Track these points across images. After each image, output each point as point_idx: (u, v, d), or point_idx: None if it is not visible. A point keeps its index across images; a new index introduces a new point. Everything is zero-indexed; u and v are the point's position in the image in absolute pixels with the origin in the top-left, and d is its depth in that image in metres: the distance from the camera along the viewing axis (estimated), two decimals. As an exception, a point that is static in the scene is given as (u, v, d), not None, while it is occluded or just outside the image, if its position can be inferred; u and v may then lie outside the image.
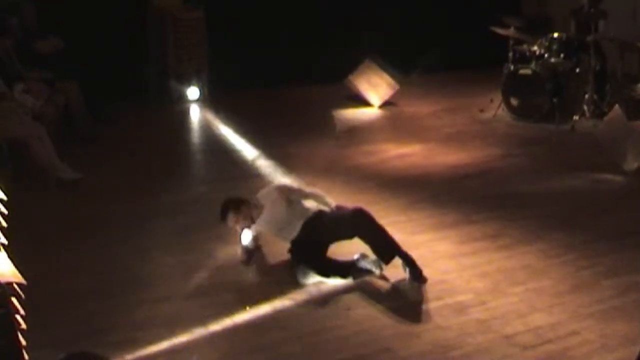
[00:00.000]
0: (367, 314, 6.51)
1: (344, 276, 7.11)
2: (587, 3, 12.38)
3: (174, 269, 7.40)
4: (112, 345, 5.93)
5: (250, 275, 7.26)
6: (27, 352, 3.76)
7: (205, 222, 8.36)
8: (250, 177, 9.76)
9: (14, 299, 3.69)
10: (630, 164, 9.62)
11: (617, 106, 10.52)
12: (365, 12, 14.07)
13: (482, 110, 12.66)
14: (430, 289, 6.90)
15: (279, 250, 7.63)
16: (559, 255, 7.56)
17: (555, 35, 12.26)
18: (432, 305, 6.65)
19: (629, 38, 12.35)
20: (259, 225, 7.57)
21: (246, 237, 7.56)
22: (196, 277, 7.16)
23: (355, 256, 7.29)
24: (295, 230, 7.41)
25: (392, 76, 13.18)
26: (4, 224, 3.91)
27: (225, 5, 13.22)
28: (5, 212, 3.97)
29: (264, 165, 10.14)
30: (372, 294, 6.84)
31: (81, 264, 7.45)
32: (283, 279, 7.14)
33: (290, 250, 7.50)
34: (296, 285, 6.96)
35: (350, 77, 13.21)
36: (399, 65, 13.57)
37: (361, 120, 12.46)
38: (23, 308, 3.76)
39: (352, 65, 13.23)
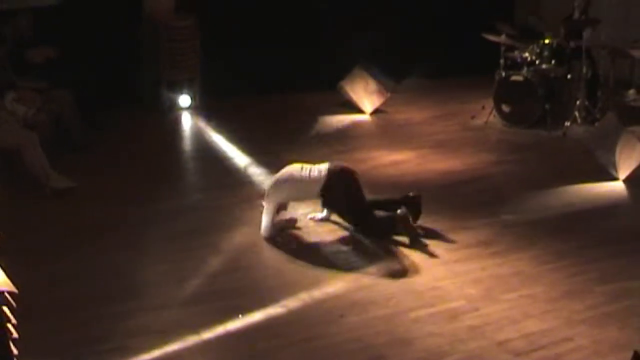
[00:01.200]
0: (360, 321, 6.51)
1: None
2: (578, 10, 12.44)
3: (168, 276, 7.39)
4: (106, 353, 5.94)
5: (243, 282, 7.24)
6: (19, 361, 3.76)
7: (199, 230, 8.37)
8: (244, 185, 9.77)
9: (5, 308, 3.69)
10: (622, 170, 9.64)
11: (609, 112, 10.55)
12: (357, 20, 14.09)
13: (473, 117, 12.67)
14: (423, 296, 6.91)
15: (271, 257, 7.65)
16: (552, 262, 7.58)
17: (547, 41, 12.29)
18: (425, 312, 6.65)
19: (620, 44, 12.39)
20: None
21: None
22: (190, 284, 7.15)
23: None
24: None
25: (384, 83, 13.18)
26: (-4, 232, 3.91)
27: (217, 13, 13.22)
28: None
29: (257, 172, 10.14)
30: (365, 301, 6.84)
31: (74, 271, 7.43)
32: (275, 285, 7.14)
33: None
34: (288, 291, 6.97)
35: (342, 84, 13.21)
36: (390, 72, 13.58)
37: (353, 127, 12.46)
38: (15, 317, 3.75)
39: (344, 72, 13.23)
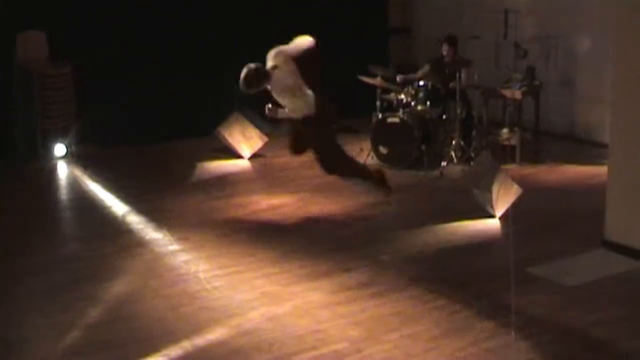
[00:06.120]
0: (243, 367, 6.49)
1: None
2: (447, 53, 12.66)
3: (47, 330, 7.23)
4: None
5: (124, 332, 7.14)
6: None
7: (77, 280, 8.23)
8: (121, 233, 9.65)
9: None
10: (498, 208, 9.79)
11: (484, 151, 10.74)
12: (234, 64, 14.12)
13: (352, 160, 12.74)
14: (305, 339, 6.91)
15: (153, 305, 7.57)
16: (432, 301, 7.66)
17: (422, 83, 12.47)
18: (307, 355, 6.65)
19: (492, 85, 12.67)
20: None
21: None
22: (70, 337, 7.02)
23: None
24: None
25: (261, 128, 13.17)
26: None
27: (92, 60, 13.08)
28: None
29: (135, 220, 10.04)
30: (248, 347, 6.81)
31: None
32: (157, 335, 7.06)
33: None
34: (170, 340, 6.89)
35: (220, 130, 13.15)
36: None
37: (231, 172, 12.42)
38: None
39: (221, 117, 13.18)
